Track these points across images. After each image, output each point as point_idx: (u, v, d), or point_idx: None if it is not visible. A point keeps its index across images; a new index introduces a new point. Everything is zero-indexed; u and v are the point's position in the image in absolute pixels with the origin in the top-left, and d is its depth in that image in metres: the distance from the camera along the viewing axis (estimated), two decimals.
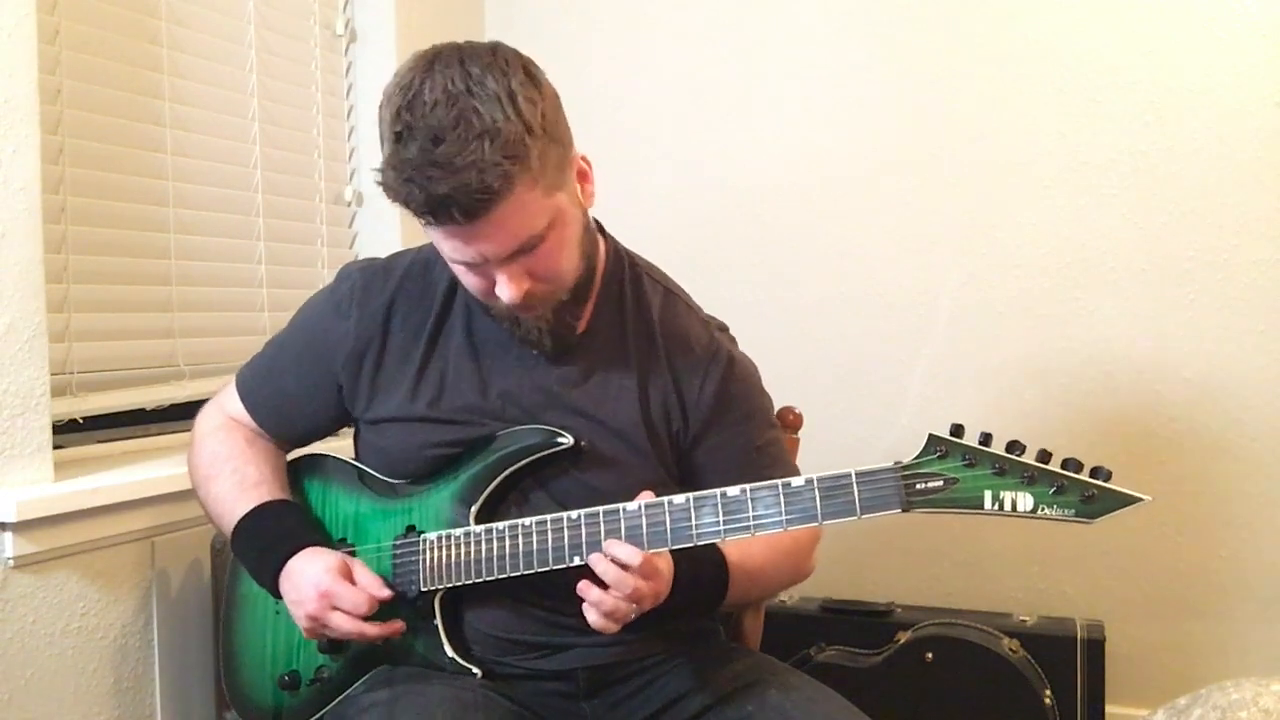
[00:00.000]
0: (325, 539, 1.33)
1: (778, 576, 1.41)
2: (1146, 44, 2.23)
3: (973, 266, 2.37)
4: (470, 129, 1.09)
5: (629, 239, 1.42)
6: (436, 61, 1.13)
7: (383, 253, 1.46)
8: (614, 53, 2.62)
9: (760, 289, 2.50)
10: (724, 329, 1.42)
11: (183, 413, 1.91)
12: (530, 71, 1.16)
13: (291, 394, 1.39)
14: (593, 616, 1.16)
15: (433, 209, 1.12)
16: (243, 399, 1.42)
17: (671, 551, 1.20)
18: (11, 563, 1.46)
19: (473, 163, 1.08)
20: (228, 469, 1.37)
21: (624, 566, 1.15)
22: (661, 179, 2.57)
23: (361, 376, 1.35)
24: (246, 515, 1.32)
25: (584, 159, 1.25)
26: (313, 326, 1.38)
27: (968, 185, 2.36)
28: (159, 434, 1.90)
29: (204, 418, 1.46)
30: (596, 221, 1.35)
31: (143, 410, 1.84)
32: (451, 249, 1.18)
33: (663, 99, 2.59)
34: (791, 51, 2.48)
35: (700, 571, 1.26)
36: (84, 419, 1.71)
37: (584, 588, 1.16)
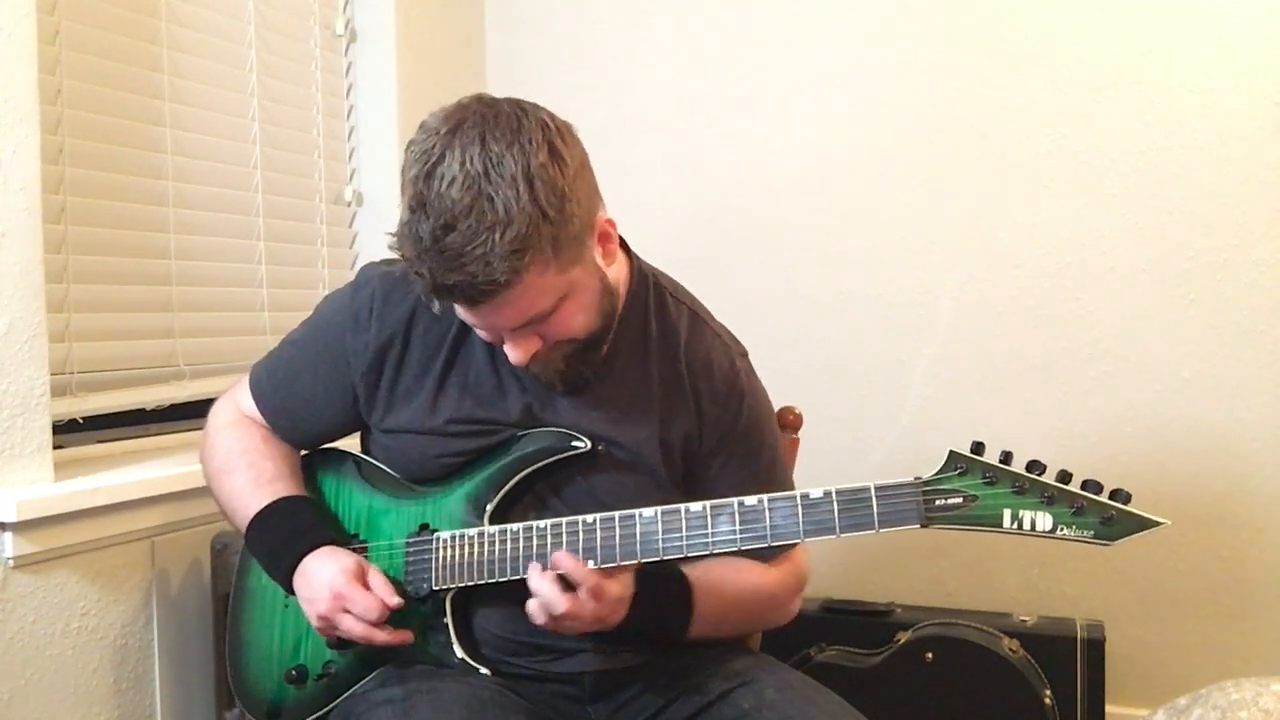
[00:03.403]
0: (340, 535, 1.34)
1: (750, 617, 1.40)
2: (1146, 44, 2.23)
3: (973, 266, 2.37)
4: (482, 219, 1.08)
5: (629, 240, 1.42)
6: (459, 131, 1.11)
7: (381, 253, 1.46)
8: (614, 52, 2.62)
9: (760, 289, 2.50)
10: (744, 355, 1.42)
11: (183, 413, 1.91)
12: (554, 145, 1.13)
13: (306, 399, 1.39)
14: (535, 615, 1.18)
15: (438, 294, 1.14)
16: (256, 399, 1.42)
17: (635, 576, 1.22)
18: (11, 563, 1.46)
19: (480, 255, 1.08)
20: (244, 463, 1.37)
21: (571, 583, 1.17)
22: (661, 179, 2.57)
23: (380, 387, 1.34)
24: (262, 510, 1.32)
25: (608, 221, 1.24)
26: (330, 334, 1.37)
27: (968, 185, 2.36)
28: (159, 434, 1.90)
29: (217, 412, 1.46)
30: (622, 239, 1.34)
31: (143, 410, 1.84)
32: (460, 315, 1.21)
33: (663, 99, 2.59)
34: (791, 51, 2.48)
35: (663, 598, 1.27)
36: (84, 419, 1.71)
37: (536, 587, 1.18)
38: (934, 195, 2.39)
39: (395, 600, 1.24)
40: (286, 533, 1.31)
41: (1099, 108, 2.26)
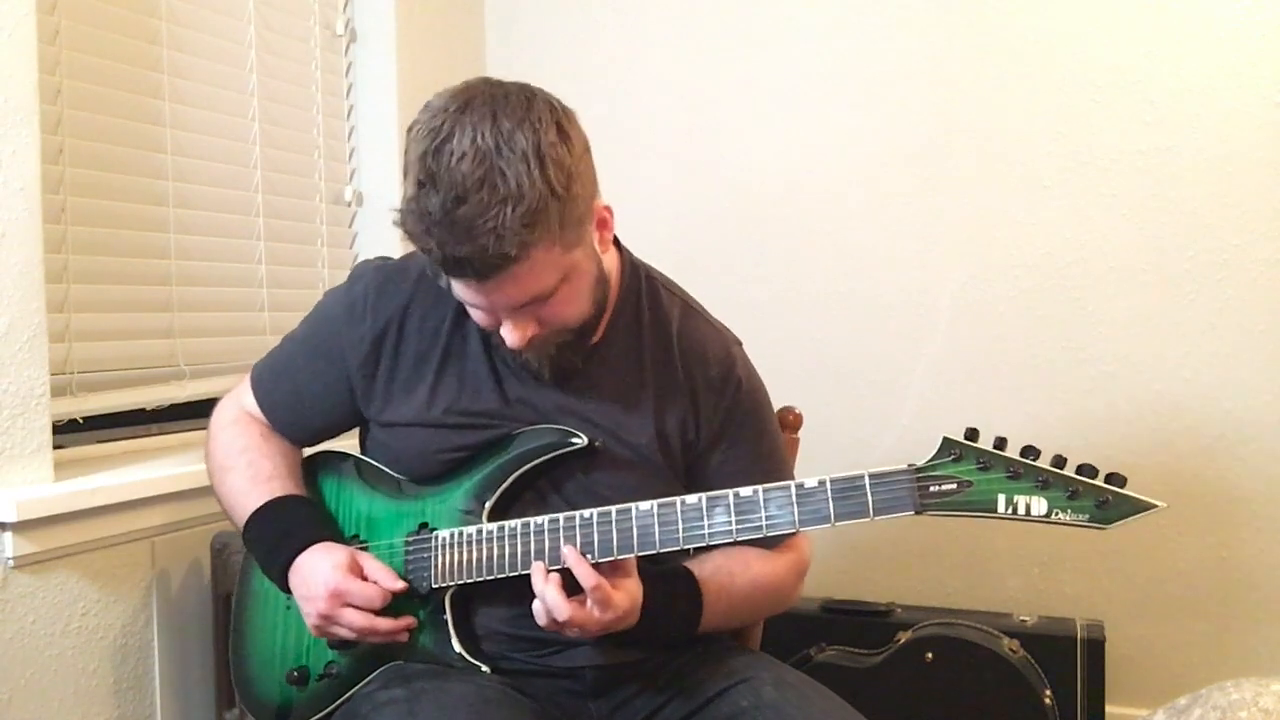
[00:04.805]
0: (337, 535, 1.34)
1: (756, 611, 1.42)
2: (1146, 44, 2.23)
3: (973, 266, 2.37)
4: (494, 193, 1.09)
5: (629, 239, 1.42)
6: (469, 108, 1.12)
7: (382, 253, 1.46)
8: (614, 53, 2.62)
9: (760, 289, 2.50)
10: (739, 344, 1.43)
11: (183, 413, 1.91)
12: (562, 126, 1.15)
13: (305, 394, 1.40)
14: (539, 616, 1.18)
15: (447, 267, 1.14)
16: (257, 396, 1.43)
17: (645, 581, 1.22)
18: (11, 563, 1.46)
19: (492, 229, 1.09)
20: (243, 461, 1.37)
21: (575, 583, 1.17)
22: (661, 179, 2.57)
23: (377, 379, 1.35)
24: (259, 509, 1.32)
25: (606, 208, 1.25)
26: (326, 328, 1.38)
27: (968, 185, 2.36)
28: (159, 434, 1.90)
29: (221, 411, 1.46)
30: (616, 238, 1.35)
31: (143, 410, 1.84)
32: (462, 294, 1.20)
33: (663, 99, 2.59)
34: (791, 52, 2.48)
35: (673, 604, 1.28)
36: (84, 419, 1.71)
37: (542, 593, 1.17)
38: (934, 195, 2.39)
39: (397, 584, 1.25)
40: (279, 531, 1.31)
41: (1099, 108, 2.26)
